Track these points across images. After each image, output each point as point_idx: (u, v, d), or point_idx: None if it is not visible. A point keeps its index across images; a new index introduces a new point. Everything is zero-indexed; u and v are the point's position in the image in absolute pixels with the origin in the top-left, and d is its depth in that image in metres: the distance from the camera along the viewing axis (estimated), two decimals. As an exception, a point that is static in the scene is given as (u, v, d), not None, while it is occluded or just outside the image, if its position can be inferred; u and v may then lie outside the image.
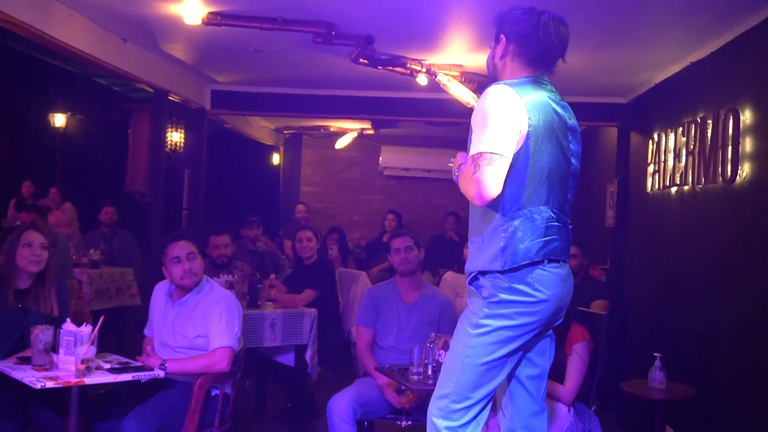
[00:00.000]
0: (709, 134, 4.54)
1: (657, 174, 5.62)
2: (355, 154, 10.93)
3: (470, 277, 2.73)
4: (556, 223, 2.67)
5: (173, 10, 4.40)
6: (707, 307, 4.66)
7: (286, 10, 4.34)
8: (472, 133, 2.64)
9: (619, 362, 5.41)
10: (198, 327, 3.91)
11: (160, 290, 4.15)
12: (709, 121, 4.57)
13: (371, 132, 9.61)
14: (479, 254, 2.69)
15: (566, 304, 2.75)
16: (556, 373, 3.73)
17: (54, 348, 3.49)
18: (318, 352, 5.68)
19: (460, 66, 5.45)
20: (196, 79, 6.83)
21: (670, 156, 5.31)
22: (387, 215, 10.04)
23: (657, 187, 5.62)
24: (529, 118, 2.58)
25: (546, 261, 2.64)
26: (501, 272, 2.63)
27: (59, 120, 11.21)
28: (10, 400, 3.63)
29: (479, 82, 5.69)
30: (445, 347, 3.98)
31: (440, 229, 10.05)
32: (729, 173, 4.24)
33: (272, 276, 7.83)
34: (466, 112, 6.15)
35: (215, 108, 7.25)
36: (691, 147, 4.85)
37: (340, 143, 9.89)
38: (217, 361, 3.80)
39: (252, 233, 7.87)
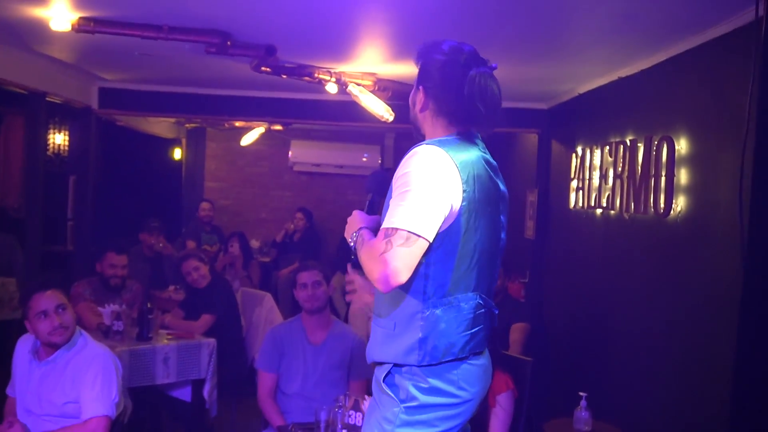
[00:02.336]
0: (640, 160, 4.22)
1: (581, 191, 5.31)
2: (264, 148, 10.33)
3: (382, 372, 2.28)
4: (483, 310, 2.26)
5: (39, 13, 3.75)
6: (632, 341, 4.39)
7: (173, 16, 3.76)
8: (390, 195, 2.18)
9: (540, 396, 5.10)
10: (68, 392, 3.36)
11: (24, 345, 3.57)
12: (640, 145, 4.25)
13: (280, 128, 9.04)
14: (389, 342, 2.24)
15: (485, 394, 2.35)
16: (477, 425, 3.36)
17: None
18: (218, 384, 5.19)
19: (374, 74, 4.98)
20: (80, 77, 6.13)
21: (596, 174, 5.00)
22: (296, 213, 9.55)
23: (581, 204, 5.31)
24: (464, 191, 2.14)
25: (470, 355, 2.23)
26: (418, 366, 2.20)
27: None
28: None
29: (394, 90, 5.24)
30: (356, 407, 3.55)
31: (352, 227, 9.61)
32: (662, 205, 3.93)
33: (171, 288, 7.26)
34: (371, 113, 5.76)
35: (104, 107, 6.55)
36: (620, 170, 4.54)
37: (246, 139, 9.26)
38: (90, 434, 3.26)
39: (151, 240, 7.27)
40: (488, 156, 2.31)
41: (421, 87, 2.30)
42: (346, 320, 6.65)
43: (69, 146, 6.60)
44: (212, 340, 5.12)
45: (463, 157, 2.17)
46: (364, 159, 10.16)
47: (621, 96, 4.74)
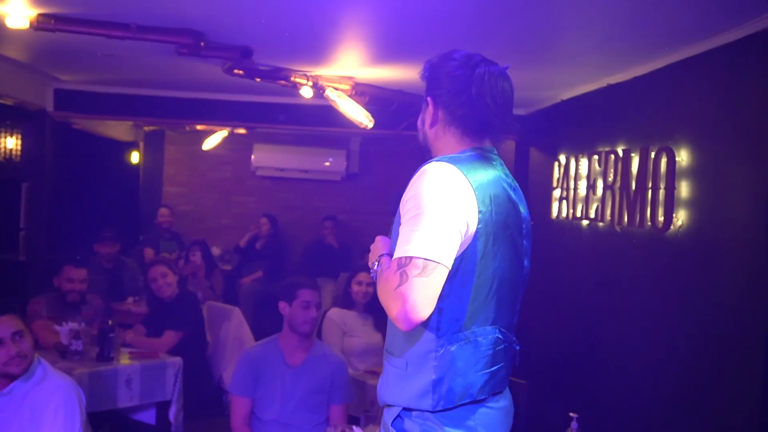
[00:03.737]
0: (635, 171, 4.04)
1: (565, 201, 5.13)
2: (226, 152, 9.97)
3: (390, 415, 2.03)
4: (503, 346, 2.02)
5: (-8, 8, 3.42)
6: (625, 359, 4.21)
7: (142, 14, 3.45)
8: (399, 222, 1.94)
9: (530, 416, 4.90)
10: (26, 428, 3.04)
11: (-24, 375, 3.22)
12: (635, 156, 4.08)
13: (243, 131, 8.73)
14: (401, 384, 1.99)
15: None
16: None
17: None
18: (184, 405, 4.88)
19: (351, 78, 4.72)
20: (34, 78, 5.75)
21: (582, 184, 4.82)
22: (261, 219, 9.23)
23: (564, 215, 5.13)
24: (480, 211, 1.90)
25: (489, 396, 2.00)
26: (432, 412, 1.95)
27: None
28: None
29: (371, 94, 5.01)
30: (344, 438, 3.31)
31: (318, 233, 9.35)
32: (661, 219, 3.75)
33: (130, 299, 6.91)
34: (350, 119, 5.53)
35: (60, 110, 6.17)
36: (610, 180, 4.36)
37: (208, 144, 8.92)
38: (51, 474, 2.94)
39: (107, 250, 6.93)
40: (509, 176, 2.08)
41: (429, 98, 2.07)
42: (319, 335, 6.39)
43: (21, 151, 6.21)
44: (178, 359, 4.81)
45: (479, 176, 1.94)
46: (328, 164, 9.90)
47: (610, 104, 4.57)
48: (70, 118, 6.63)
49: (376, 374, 4.36)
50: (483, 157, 2.01)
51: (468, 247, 1.89)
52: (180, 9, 3.40)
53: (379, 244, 2.06)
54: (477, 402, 1.97)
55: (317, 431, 3.86)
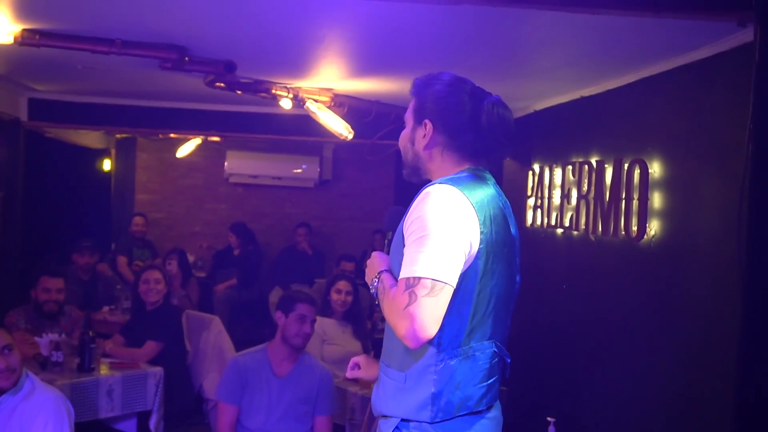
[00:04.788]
0: (608, 182, 4.17)
1: (539, 209, 5.24)
2: (198, 159, 9.97)
3: (388, 426, 2.10)
4: (497, 359, 2.11)
5: (-25, 23, 3.42)
6: (601, 366, 4.33)
7: (126, 30, 3.49)
8: (403, 243, 2.00)
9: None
10: (15, 442, 3.05)
11: (-37, 390, 3.23)
12: (608, 167, 4.20)
13: (217, 139, 8.74)
14: (399, 396, 2.07)
15: None
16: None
17: None
18: (164, 415, 4.90)
19: (331, 90, 4.79)
20: (8, 87, 5.73)
21: (556, 193, 4.94)
22: (230, 231, 9.20)
23: (539, 223, 5.25)
24: (482, 231, 1.99)
25: (485, 409, 2.08)
26: (430, 423, 2.03)
27: None
28: None
29: (350, 105, 5.08)
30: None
31: (291, 240, 9.38)
32: (635, 228, 3.88)
33: (105, 308, 6.89)
34: (329, 130, 5.60)
35: (34, 119, 6.15)
36: (584, 190, 4.48)
37: (182, 151, 8.91)
38: (41, 488, 2.96)
39: (84, 260, 6.92)
40: (501, 194, 2.17)
41: (427, 121, 2.14)
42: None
43: (-5, 161, 6.18)
44: (159, 369, 4.84)
45: (478, 197, 2.02)
46: (300, 171, 9.94)
47: (583, 115, 4.69)
48: (43, 128, 6.60)
49: (356, 382, 4.42)
50: (479, 177, 2.10)
51: (470, 266, 1.98)
52: (164, 25, 3.44)
53: (376, 261, 2.13)
54: (474, 413, 2.05)
55: (301, 441, 3.92)
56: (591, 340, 4.47)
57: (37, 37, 3.43)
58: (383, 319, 2.39)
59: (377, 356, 2.22)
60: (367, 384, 4.18)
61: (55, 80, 5.48)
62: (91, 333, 4.71)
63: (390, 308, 1.94)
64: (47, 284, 5.04)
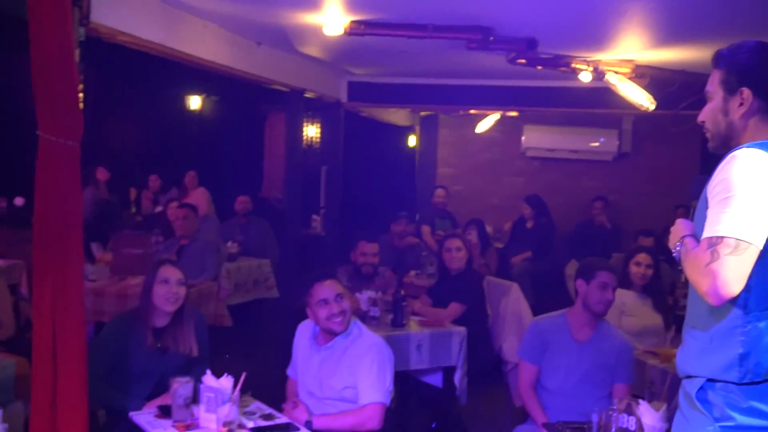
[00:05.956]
0: None
1: None
2: (496, 134, 10.27)
3: (693, 385, 2.15)
4: None
5: (312, 20, 3.98)
6: None
7: (437, 15, 3.82)
8: (707, 205, 2.05)
9: None
10: (346, 378, 3.53)
11: (304, 331, 3.79)
12: None
13: (515, 114, 8.97)
14: (705, 357, 2.10)
15: None
16: None
17: (195, 400, 3.23)
18: (467, 372, 5.25)
19: (632, 61, 4.77)
20: (332, 73, 6.45)
21: None
22: (524, 203, 9.38)
23: None
24: None
25: None
26: (737, 384, 2.06)
27: (195, 102, 11.13)
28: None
29: (652, 76, 5.00)
30: (628, 411, 3.44)
31: (587, 214, 9.34)
32: None
33: (412, 272, 7.47)
34: (630, 102, 5.54)
35: (352, 100, 6.86)
36: None
37: (481, 127, 9.27)
38: (367, 419, 3.41)
39: (400, 229, 7.54)
40: None
41: (744, 89, 2.13)
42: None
43: (321, 138, 7.00)
44: (462, 329, 5.17)
45: None
46: (598, 144, 9.83)
47: None
48: (359, 108, 7.31)
49: (656, 355, 4.41)
50: None
51: None
52: (470, 8, 3.72)
53: (679, 227, 2.18)
54: None
55: (599, 405, 3.98)
56: None
57: (363, 27, 3.89)
58: (686, 296, 2.42)
59: (678, 332, 2.27)
60: (668, 357, 4.15)
61: (370, 64, 6.05)
62: (402, 292, 5.20)
63: (692, 267, 1.99)
64: (365, 248, 5.60)
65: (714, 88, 2.22)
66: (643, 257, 5.17)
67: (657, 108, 5.13)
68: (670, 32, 4.10)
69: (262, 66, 5.20)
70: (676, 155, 9.56)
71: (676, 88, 5.05)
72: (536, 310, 6.22)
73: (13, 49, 4.92)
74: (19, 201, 7.92)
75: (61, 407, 2.91)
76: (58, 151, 2.76)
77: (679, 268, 2.13)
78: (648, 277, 5.12)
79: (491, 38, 3.91)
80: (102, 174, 8.85)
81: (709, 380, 2.08)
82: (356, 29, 3.86)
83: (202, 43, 4.34)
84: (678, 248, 2.12)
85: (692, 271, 1.98)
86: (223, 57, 4.58)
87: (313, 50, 5.40)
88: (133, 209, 8.97)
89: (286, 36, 4.72)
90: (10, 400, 3.59)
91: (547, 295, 8.60)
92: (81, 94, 3.06)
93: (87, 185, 8.51)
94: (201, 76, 9.60)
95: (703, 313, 2.11)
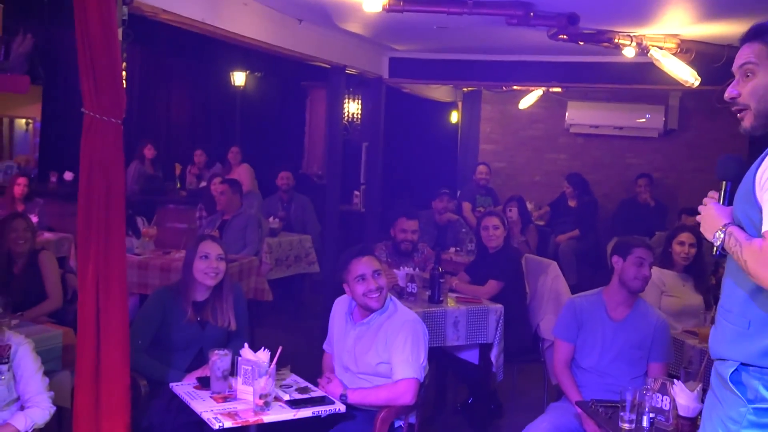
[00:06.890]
0: None
1: None
2: (539, 111, 10.18)
3: (727, 368, 2.13)
4: None
5: (352, -4, 3.99)
6: None
7: (477, -9, 3.81)
8: (753, 194, 1.99)
9: None
10: (381, 353, 3.58)
11: (340, 306, 3.85)
12: None
13: (558, 90, 8.87)
14: (741, 341, 2.08)
15: None
16: None
17: (233, 372, 3.31)
18: (504, 349, 5.27)
19: (677, 36, 4.68)
20: (374, 49, 6.45)
21: None
22: (565, 181, 9.28)
23: None
24: None
25: None
26: None
27: (239, 78, 11.22)
28: (192, 422, 3.50)
29: (697, 51, 4.90)
30: (662, 390, 3.42)
31: (631, 191, 9.22)
32: None
33: (452, 249, 7.48)
34: (674, 78, 5.45)
35: (393, 77, 6.85)
36: None
37: (524, 103, 9.20)
38: (401, 394, 3.47)
39: (441, 205, 7.54)
40: None
41: None
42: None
43: (361, 115, 7.01)
44: (499, 306, 5.18)
45: None
46: (643, 120, 9.67)
47: None
48: (401, 84, 7.30)
49: (695, 335, 4.37)
50: None
51: None
52: (511, -17, 3.69)
53: (714, 212, 2.13)
54: None
55: (634, 384, 3.97)
56: None
57: (402, 3, 3.88)
58: None
59: None
60: (707, 337, 4.10)
61: (411, 40, 6.04)
62: (440, 269, 5.22)
63: (758, 261, 1.94)
64: (404, 225, 5.63)
65: (758, 63, 2.14)
66: (686, 236, 5.10)
67: (703, 83, 5.03)
68: (715, 5, 4.01)
69: (304, 43, 5.22)
70: (723, 132, 9.35)
71: (722, 63, 4.94)
72: (580, 289, 6.19)
73: (64, 25, 5.04)
74: (68, 176, 8.12)
75: (104, 376, 3.02)
76: (102, 127, 2.84)
77: (714, 253, 2.09)
78: (691, 257, 5.04)
79: (531, 14, 3.87)
80: (149, 151, 9.01)
81: (744, 364, 2.07)
82: (395, 5, 3.86)
83: (244, 21, 4.38)
84: (722, 237, 2.07)
85: (758, 266, 1.93)
86: (265, 34, 4.61)
87: (354, 27, 5.40)
88: (178, 184, 9.11)
89: (326, 13, 4.73)
90: (58, 369, 3.73)
91: (591, 273, 8.57)
92: (124, 73, 3.13)
93: (133, 160, 8.67)
94: (244, 52, 9.80)
95: (742, 298, 2.08)
